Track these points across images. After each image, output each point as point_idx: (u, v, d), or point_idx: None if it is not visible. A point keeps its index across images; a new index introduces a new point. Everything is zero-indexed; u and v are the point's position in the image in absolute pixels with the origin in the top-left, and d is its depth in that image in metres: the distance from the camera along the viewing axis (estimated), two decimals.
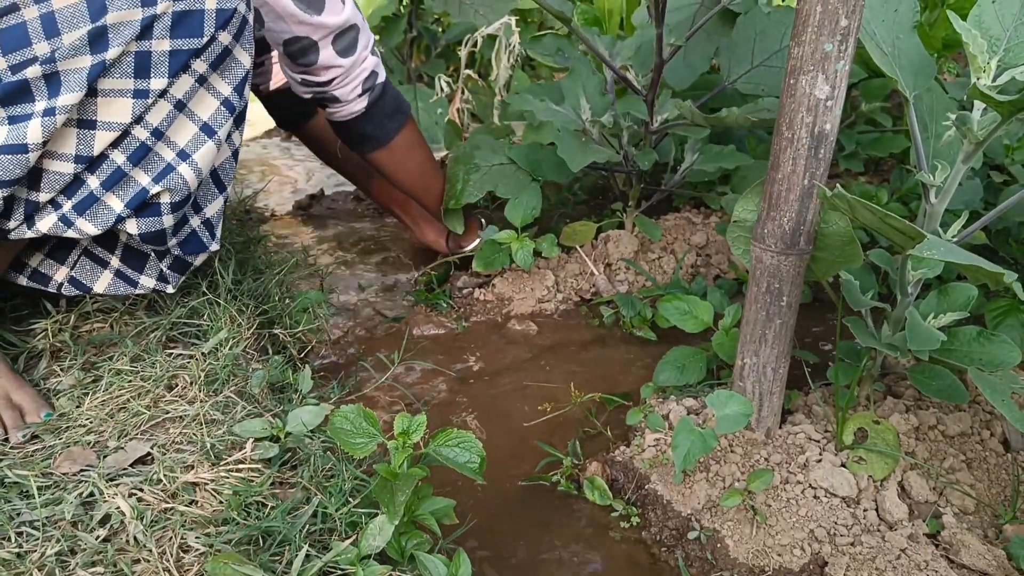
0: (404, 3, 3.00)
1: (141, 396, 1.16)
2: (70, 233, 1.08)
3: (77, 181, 1.06)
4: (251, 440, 1.08)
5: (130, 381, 1.19)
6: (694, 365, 1.38)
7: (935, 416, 1.28)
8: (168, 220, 1.12)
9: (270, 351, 1.42)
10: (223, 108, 1.11)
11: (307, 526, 0.96)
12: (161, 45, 1.01)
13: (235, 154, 1.20)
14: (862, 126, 2.21)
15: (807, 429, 1.26)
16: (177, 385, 1.19)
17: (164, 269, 1.23)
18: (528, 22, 3.04)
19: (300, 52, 1.37)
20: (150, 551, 0.90)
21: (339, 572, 0.90)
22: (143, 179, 1.07)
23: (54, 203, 1.07)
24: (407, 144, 1.63)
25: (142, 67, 1.01)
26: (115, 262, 1.22)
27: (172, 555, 0.90)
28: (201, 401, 1.15)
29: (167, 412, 1.14)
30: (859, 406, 1.32)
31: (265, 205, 2.36)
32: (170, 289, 1.26)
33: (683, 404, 1.34)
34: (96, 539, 0.91)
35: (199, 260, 1.26)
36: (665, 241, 1.92)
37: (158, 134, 1.06)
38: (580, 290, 1.84)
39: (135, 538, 0.92)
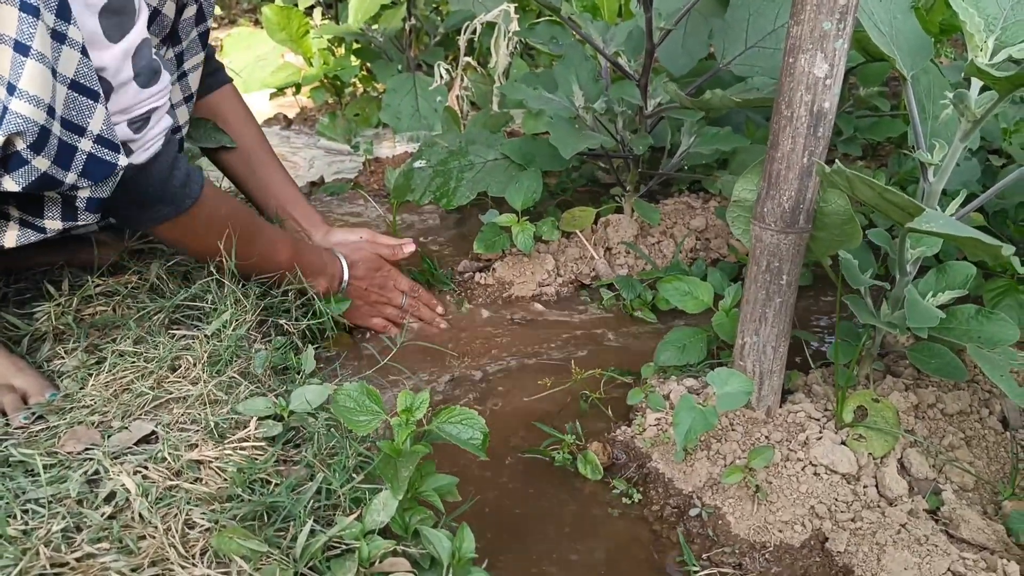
0: None
1: (145, 377, 1.17)
2: None
3: None
4: (255, 419, 1.09)
5: (133, 362, 1.20)
6: (695, 345, 1.38)
7: (934, 394, 1.29)
8: (41, 163, 0.99)
9: (273, 334, 1.43)
10: (24, 14, 0.92)
11: (311, 502, 0.97)
12: None
13: (85, 51, 1.01)
14: (860, 111, 2.21)
15: (807, 408, 1.27)
16: (180, 366, 1.20)
17: (78, 207, 1.09)
18: (527, 9, 3.04)
19: None
20: (155, 527, 0.90)
21: (343, 547, 0.91)
22: None
23: None
24: (172, 237, 1.31)
25: None
26: (15, 212, 1.09)
27: (177, 531, 0.90)
28: (204, 381, 1.16)
29: (171, 392, 1.14)
30: (859, 385, 1.32)
31: None
32: (85, 221, 1.11)
33: (684, 384, 1.34)
34: (101, 516, 0.92)
35: (111, 184, 1.11)
36: (664, 225, 1.93)
37: None
38: (580, 274, 1.84)
39: (140, 515, 0.92)
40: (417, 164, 1.88)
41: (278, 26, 3.02)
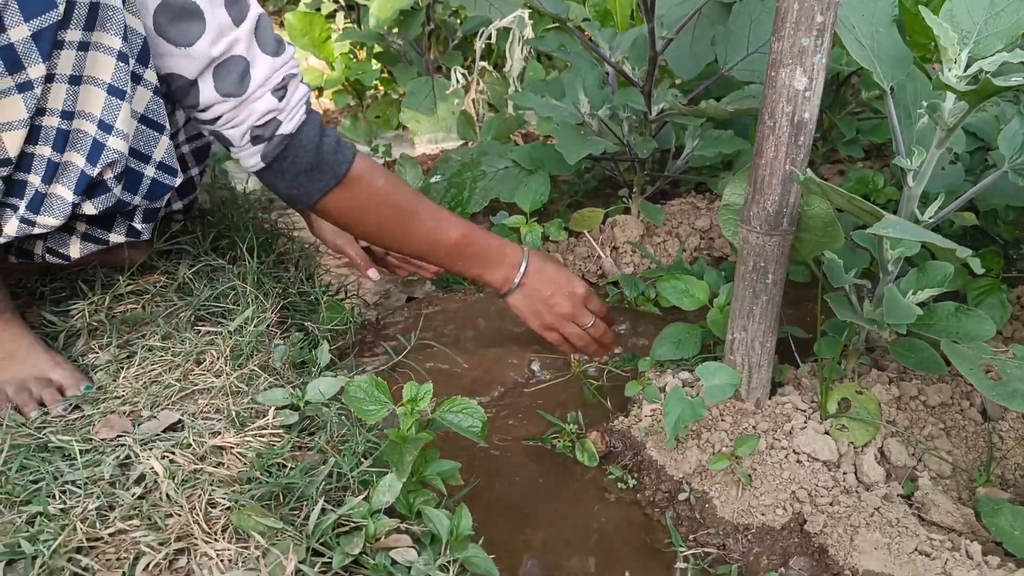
0: None
1: (172, 370, 1.26)
2: (37, 230, 1.12)
3: (19, 183, 1.08)
4: (273, 408, 1.17)
5: (161, 357, 1.29)
6: (689, 340, 1.46)
7: (917, 387, 1.36)
8: (119, 190, 1.14)
9: (293, 331, 1.51)
10: (120, 63, 1.06)
11: (323, 484, 1.05)
12: (19, 33, 0.96)
13: (156, 90, 1.13)
14: (864, 113, 2.27)
15: (794, 400, 1.34)
16: (205, 360, 1.29)
17: (135, 225, 1.25)
18: (541, 15, 3.11)
19: (181, 93, 1.18)
20: (181, 506, 0.99)
21: (352, 524, 1.00)
22: (79, 161, 1.08)
23: (11, 207, 1.10)
24: (343, 208, 1.35)
25: (11, 61, 0.97)
26: (81, 227, 1.22)
27: (201, 510, 0.99)
28: (227, 374, 1.25)
29: (196, 384, 1.23)
30: (845, 378, 1.39)
31: None
32: (145, 236, 1.28)
33: (679, 377, 1.42)
34: (132, 496, 1.01)
35: (164, 200, 1.26)
36: (670, 225, 2.00)
37: (68, 115, 1.06)
38: (588, 272, 1.92)
39: (167, 495, 1.01)
40: (433, 179, 1.97)
41: (301, 31, 3.12)
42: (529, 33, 2.66)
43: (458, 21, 3.30)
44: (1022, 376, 1.15)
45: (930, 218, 1.26)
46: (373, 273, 1.67)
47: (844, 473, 1.22)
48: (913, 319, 1.20)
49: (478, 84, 2.76)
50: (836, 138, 2.15)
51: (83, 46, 1.03)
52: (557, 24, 2.72)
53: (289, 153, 1.27)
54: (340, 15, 3.68)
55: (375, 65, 3.23)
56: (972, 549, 1.06)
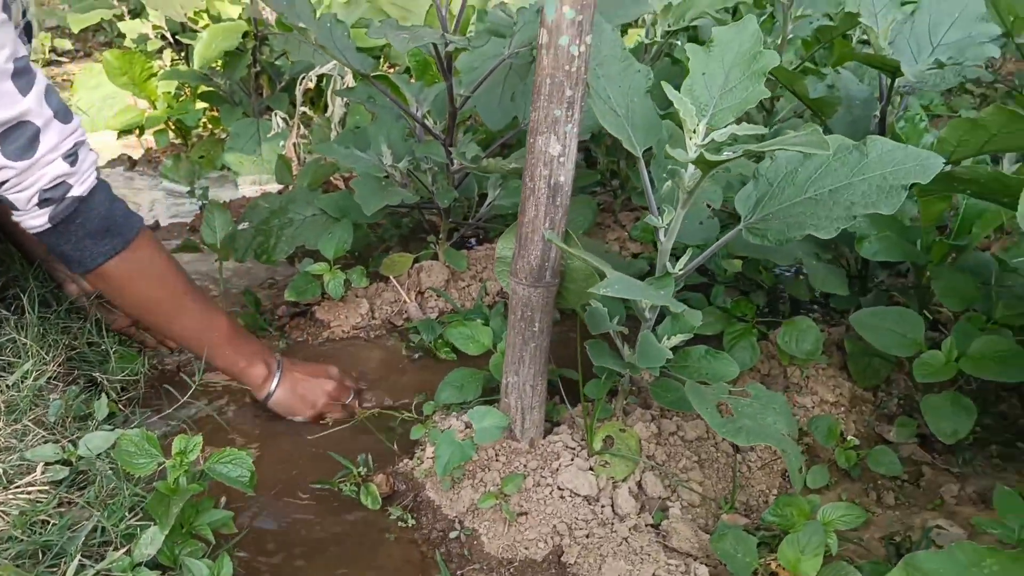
0: (249, 36, 3.10)
1: None
2: None
3: None
4: (42, 464, 1.18)
5: None
6: (471, 384, 1.54)
7: (676, 424, 1.48)
8: None
9: (82, 383, 1.51)
10: None
11: (86, 540, 1.07)
12: None
13: None
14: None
15: (565, 439, 1.43)
16: None
17: None
18: None
19: None
20: None
21: None
22: None
23: None
24: (125, 274, 1.39)
25: None
26: None
27: None
28: None
29: None
30: (614, 417, 1.50)
31: None
32: None
33: (462, 420, 1.49)
34: None
35: None
36: (475, 270, 2.09)
37: None
38: (393, 316, 1.98)
39: None
40: (241, 226, 2.00)
41: (119, 70, 3.08)
42: (350, 81, 2.73)
43: (289, 63, 3.33)
44: (751, 414, 1.29)
45: (680, 270, 1.38)
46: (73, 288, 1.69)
47: (602, 506, 1.32)
48: (663, 362, 1.33)
49: (299, 128, 2.80)
50: (631, 189, 2.31)
51: None
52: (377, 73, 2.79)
53: (79, 215, 1.33)
54: (168, 52, 3.64)
55: (199, 105, 3.22)
56: (700, 572, 1.17)
